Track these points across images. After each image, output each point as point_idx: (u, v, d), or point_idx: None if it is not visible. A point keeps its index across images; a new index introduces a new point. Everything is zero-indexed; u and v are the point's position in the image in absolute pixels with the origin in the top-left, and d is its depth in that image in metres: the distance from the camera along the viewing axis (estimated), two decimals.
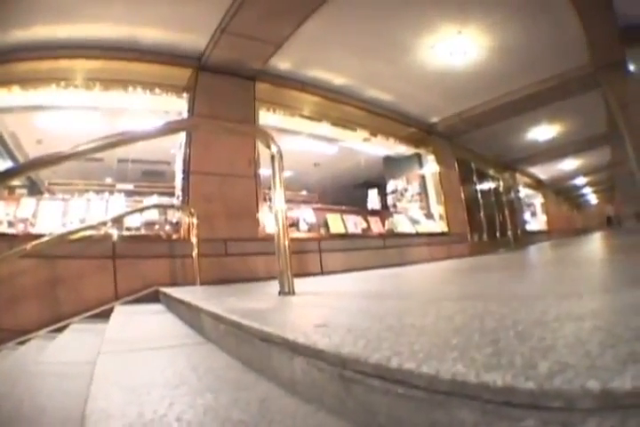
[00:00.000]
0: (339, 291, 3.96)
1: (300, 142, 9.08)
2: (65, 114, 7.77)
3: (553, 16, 6.46)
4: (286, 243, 3.16)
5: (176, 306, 3.84)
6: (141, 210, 6.18)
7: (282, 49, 6.70)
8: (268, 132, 3.47)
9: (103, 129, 7.59)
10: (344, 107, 8.62)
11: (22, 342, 5.02)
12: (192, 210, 5.62)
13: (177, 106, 6.96)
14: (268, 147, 3.27)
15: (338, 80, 8.10)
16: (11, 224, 6.24)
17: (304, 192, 11.42)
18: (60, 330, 4.98)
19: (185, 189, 6.25)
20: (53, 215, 6.36)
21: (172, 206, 6.37)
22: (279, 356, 1.51)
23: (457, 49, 7.16)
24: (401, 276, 5.50)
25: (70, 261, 5.58)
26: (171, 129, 3.48)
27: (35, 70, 6.74)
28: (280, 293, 3.08)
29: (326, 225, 8.03)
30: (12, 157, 10.27)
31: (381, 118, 9.31)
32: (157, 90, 6.78)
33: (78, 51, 6.64)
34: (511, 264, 6.15)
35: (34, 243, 5.19)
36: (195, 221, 5.52)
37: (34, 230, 6.09)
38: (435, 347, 1.10)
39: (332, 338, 1.31)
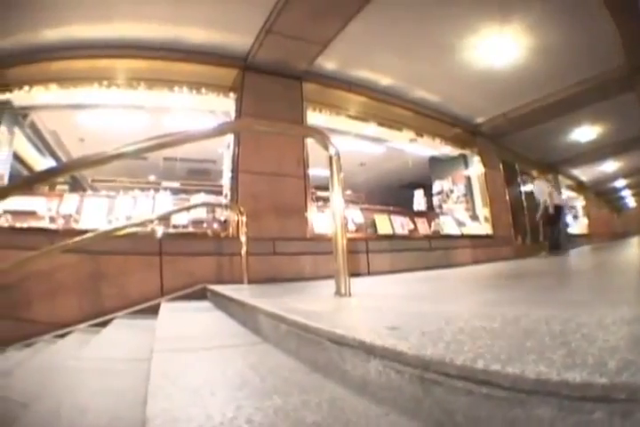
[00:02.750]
0: (394, 293, 3.91)
1: (347, 142, 8.93)
2: (107, 112, 7.82)
3: (589, 17, 6.35)
4: (344, 243, 3.09)
5: (226, 304, 3.80)
6: (190, 208, 6.22)
7: (328, 49, 6.66)
8: (325, 133, 3.41)
9: (148, 127, 7.76)
10: (390, 107, 8.55)
11: (61, 336, 5.12)
12: (241, 208, 5.58)
13: (223, 105, 7.01)
14: (326, 148, 3.23)
15: (384, 80, 8.05)
16: (52, 220, 6.29)
17: (348, 192, 11.34)
18: (101, 325, 5.04)
19: (234, 188, 6.28)
20: (98, 212, 6.40)
21: (221, 205, 6.36)
22: (352, 358, 1.49)
23: (499, 49, 7.08)
24: (450, 278, 5.45)
25: (115, 257, 5.68)
26: (227, 129, 3.51)
27: (72, 69, 6.90)
28: (336, 293, 3.00)
29: (374, 226, 7.98)
30: (54, 155, 10.39)
31: (427, 119, 9.24)
32: (203, 89, 6.83)
33: (120, 50, 6.76)
34: (558, 269, 6.18)
35: (79, 238, 5.26)
36: (244, 219, 5.49)
37: (77, 226, 6.15)
38: (512, 349, 1.18)
39: (411, 341, 1.34)
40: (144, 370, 2.29)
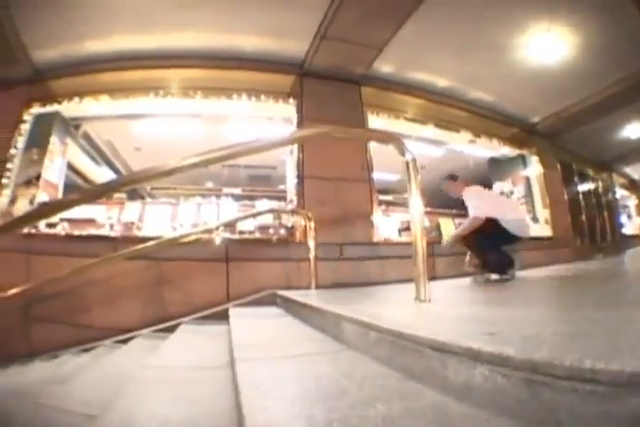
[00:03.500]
0: (470, 298, 3.88)
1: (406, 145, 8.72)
2: (164, 121, 7.92)
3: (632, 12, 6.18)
4: (424, 248, 3.07)
5: (300, 310, 3.75)
6: (257, 214, 6.20)
7: (383, 52, 6.66)
8: (400, 139, 3.36)
9: (205, 136, 7.81)
10: (447, 108, 8.51)
11: (122, 342, 5.26)
12: (309, 214, 5.58)
13: (282, 112, 7.03)
14: (402, 154, 3.21)
15: (440, 82, 8.02)
16: (113, 227, 6.35)
17: (407, 196, 11.18)
18: (165, 330, 5.13)
19: (300, 194, 6.29)
20: (161, 219, 6.44)
21: (288, 211, 6.34)
22: (454, 364, 1.48)
23: (548, 47, 6.98)
24: (517, 282, 5.31)
25: (180, 263, 5.77)
26: (305, 136, 3.45)
27: (124, 80, 7.09)
28: (416, 299, 2.94)
29: (438, 229, 7.89)
30: (109, 164, 10.55)
31: (484, 119, 9.14)
32: (263, 96, 6.85)
33: (173, 60, 6.93)
34: (622, 272, 6.31)
35: (144, 245, 5.33)
36: (312, 224, 5.48)
37: (140, 233, 6.25)
38: (610, 348, 1.26)
39: (515, 345, 1.35)
40: (220, 379, 2.34)
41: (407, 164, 3.18)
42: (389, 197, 10.32)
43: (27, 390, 3.57)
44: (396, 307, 3.05)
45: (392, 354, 1.88)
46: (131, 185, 2.87)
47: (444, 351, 1.51)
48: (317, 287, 5.27)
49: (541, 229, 9.64)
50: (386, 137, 3.44)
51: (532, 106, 9.46)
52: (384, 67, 7.19)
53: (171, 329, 5.08)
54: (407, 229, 7.25)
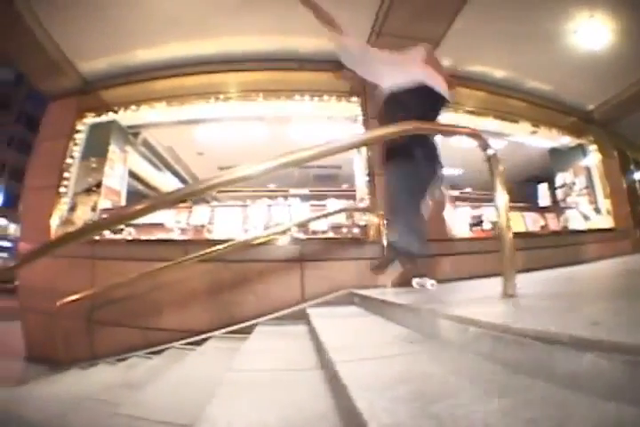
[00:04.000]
0: (553, 291, 3.75)
1: (468, 139, 8.63)
2: (225, 125, 8.02)
3: None
4: (511, 243, 3.00)
5: (384, 309, 3.67)
6: (330, 214, 6.18)
7: (440, 46, 6.60)
8: (482, 134, 3.35)
9: (268, 138, 7.82)
10: (505, 100, 8.46)
11: (193, 344, 5.32)
12: (382, 212, 5.53)
13: (344, 111, 7.06)
14: (484, 149, 3.19)
15: (496, 73, 8.01)
16: (183, 231, 6.39)
17: (468, 189, 11.10)
18: (238, 332, 5.23)
19: (371, 192, 6.28)
20: (231, 221, 6.47)
21: (361, 209, 6.33)
22: (563, 355, 1.47)
23: (594, 33, 6.95)
24: (593, 274, 5.27)
25: (254, 264, 5.88)
26: (392, 133, 3.33)
27: (183, 86, 7.27)
28: (503, 294, 2.85)
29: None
30: (171, 170, 10.69)
31: (542, 109, 9.03)
32: (325, 96, 6.89)
33: (231, 65, 7.12)
34: None
35: (216, 248, 5.43)
36: (386, 222, 5.37)
37: (211, 236, 6.40)
38: None
39: (622, 333, 1.40)
40: (311, 381, 2.31)
41: (490, 158, 3.16)
42: (455, 192, 10.21)
43: (99, 396, 3.61)
44: (486, 302, 2.97)
45: (494, 349, 1.84)
46: (213, 189, 2.81)
47: (553, 342, 1.50)
48: (394, 285, 5.22)
49: (603, 221, 9.51)
50: (470, 132, 3.39)
51: (586, 93, 9.33)
52: (442, 61, 7.04)
53: (244, 331, 5.13)
54: (477, 224, 7.17)
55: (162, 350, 5.52)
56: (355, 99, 6.84)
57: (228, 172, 2.81)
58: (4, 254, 52.20)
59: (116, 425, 2.59)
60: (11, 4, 6.09)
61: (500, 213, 3.08)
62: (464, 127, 3.64)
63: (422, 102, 4.41)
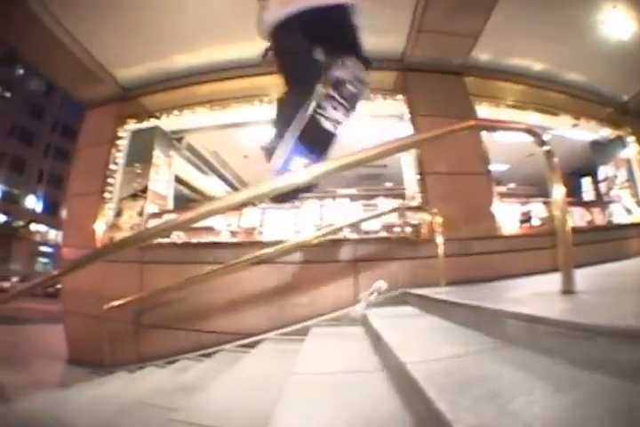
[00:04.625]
0: (614, 286, 3.70)
1: (510, 134, 8.60)
2: (267, 127, 7.95)
3: None
4: (569, 238, 3.00)
5: (442, 308, 3.63)
6: (383, 214, 6.11)
7: (479, 41, 6.65)
8: (537, 130, 3.33)
9: None
10: (544, 92, 8.36)
11: (245, 346, 5.31)
12: (435, 210, 5.50)
13: (389, 109, 7.08)
14: (541, 145, 3.19)
15: (535, 66, 7.94)
16: (234, 233, 6.41)
17: (512, 185, 10.97)
18: (292, 333, 5.24)
19: (422, 190, 6.24)
20: (282, 223, 6.48)
21: (413, 208, 6.26)
22: (629, 348, 1.50)
23: (619, 23, 6.92)
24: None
25: (306, 266, 5.86)
26: (451, 131, 3.33)
27: (224, 90, 7.38)
28: (563, 290, 2.81)
29: (553, 220, 7.47)
30: (217, 174, 11.05)
31: (580, 101, 8.90)
32: (371, 94, 6.79)
33: (269, 67, 6.85)
34: None
35: (268, 250, 5.46)
36: (438, 220, 5.38)
37: (262, 238, 6.39)
38: None
39: None
40: (375, 383, 2.32)
41: (546, 154, 3.17)
42: (502, 188, 10.10)
43: (150, 400, 3.58)
44: (546, 299, 2.92)
45: (561, 345, 1.84)
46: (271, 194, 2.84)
47: (621, 337, 1.53)
48: (446, 284, 5.16)
49: None
50: (526, 128, 3.38)
51: (620, 84, 9.17)
52: (481, 55, 7.20)
53: (298, 332, 5.12)
54: (526, 220, 7.10)
55: (212, 353, 5.55)
56: (400, 96, 6.83)
57: (284, 177, 2.87)
58: (46, 259, 53.45)
59: None
60: (38, 19, 6.27)
61: (557, 207, 3.11)
62: (519, 123, 3.64)
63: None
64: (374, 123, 7.23)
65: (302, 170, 2.82)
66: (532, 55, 7.65)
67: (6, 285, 33.20)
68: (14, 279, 37.52)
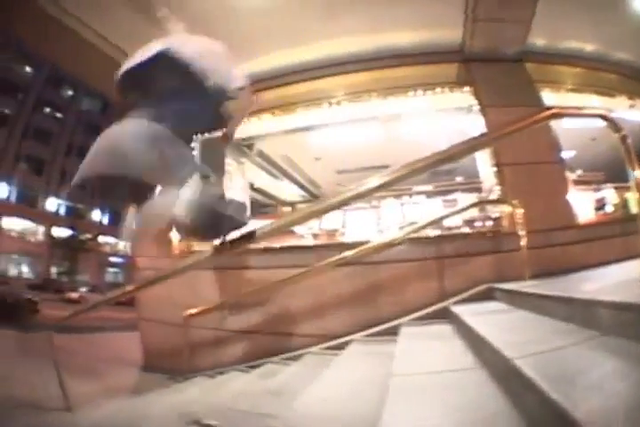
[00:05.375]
0: None
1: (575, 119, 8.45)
2: (340, 129, 8.04)
3: None
4: None
5: (532, 302, 3.62)
6: (464, 209, 6.12)
7: (532, 26, 6.53)
8: (612, 116, 3.38)
9: (383, 137, 7.84)
10: (599, 74, 8.23)
11: (332, 348, 5.33)
12: (515, 202, 5.42)
13: (454, 101, 7.03)
14: (616, 131, 3.21)
15: (587, 47, 7.84)
16: (315, 236, 6.43)
17: (579, 172, 10.74)
18: (379, 334, 5.21)
19: (501, 183, 6.14)
20: (364, 223, 6.49)
21: (493, 201, 6.21)
22: None
23: None
24: None
25: (390, 265, 5.80)
26: (532, 121, 3.33)
27: (290, 94, 7.41)
28: None
29: (625, 206, 7.32)
30: (289, 177, 11.21)
31: (633, 81, 8.72)
32: (432, 89, 6.88)
33: (333, 68, 7.18)
34: None
35: (351, 251, 5.49)
36: (519, 212, 5.33)
37: (345, 240, 6.39)
38: None
39: None
40: (479, 380, 2.39)
41: (622, 139, 3.19)
42: (572, 175, 9.91)
43: (240, 406, 3.61)
44: (633, 286, 2.94)
45: None
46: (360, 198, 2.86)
47: None
48: (530, 278, 5.05)
49: None
50: (601, 114, 3.38)
51: None
52: (536, 40, 7.07)
53: (385, 332, 5.13)
54: (601, 207, 6.93)
55: (297, 356, 5.55)
56: (466, 88, 6.75)
57: (365, 182, 3.00)
58: (115, 269, 55.12)
59: None
60: (86, 41, 6.62)
61: (637, 191, 3.11)
62: (594, 109, 3.62)
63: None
64: (441, 117, 7.19)
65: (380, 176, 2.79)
66: (584, 36, 7.54)
67: (74, 295, 34.43)
68: (82, 290, 38.76)
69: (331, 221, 6.73)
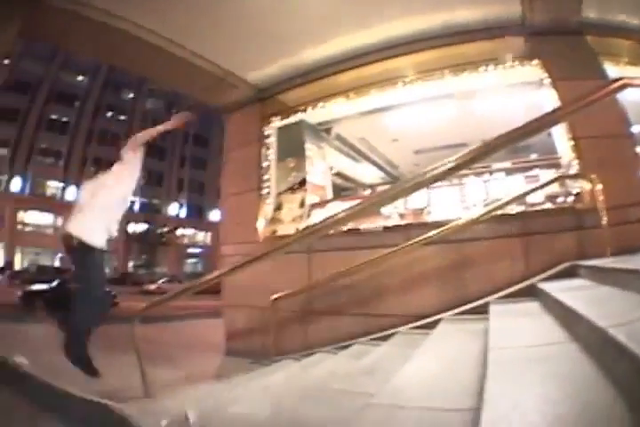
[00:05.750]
0: None
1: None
2: (413, 109, 8.17)
3: None
4: None
5: (616, 277, 3.63)
6: (545, 185, 6.01)
7: (583, 3, 6.39)
8: None
9: (457, 115, 7.84)
10: None
11: (422, 327, 5.37)
12: (592, 177, 5.39)
13: (522, 76, 6.98)
14: None
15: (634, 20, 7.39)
16: (401, 216, 6.48)
17: None
18: (467, 313, 5.25)
19: (579, 157, 6.01)
20: (449, 201, 6.52)
21: (572, 176, 6.06)
22: None
23: None
24: None
25: (475, 243, 5.89)
26: (606, 93, 3.22)
27: (363, 76, 7.45)
28: None
29: None
30: (368, 160, 11.51)
31: None
32: (499, 65, 6.78)
33: (402, 48, 7.17)
34: None
35: (435, 230, 5.52)
36: (599, 188, 5.28)
37: (431, 218, 6.46)
38: None
39: None
40: (572, 353, 2.39)
41: None
42: None
43: (335, 386, 3.62)
44: None
45: None
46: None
47: None
48: (611, 254, 5.01)
49: None
50: None
51: None
52: (590, 13, 6.83)
53: (474, 311, 5.17)
54: None
55: (386, 337, 5.60)
56: (535, 62, 6.62)
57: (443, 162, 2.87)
58: (194, 260, 56.57)
59: (377, 415, 2.37)
60: (152, 44, 6.94)
61: None
62: None
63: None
64: (514, 92, 7.17)
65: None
66: (634, 7, 7.16)
67: (152, 287, 36.13)
68: (160, 281, 40.05)
69: (416, 200, 6.76)
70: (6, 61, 46.99)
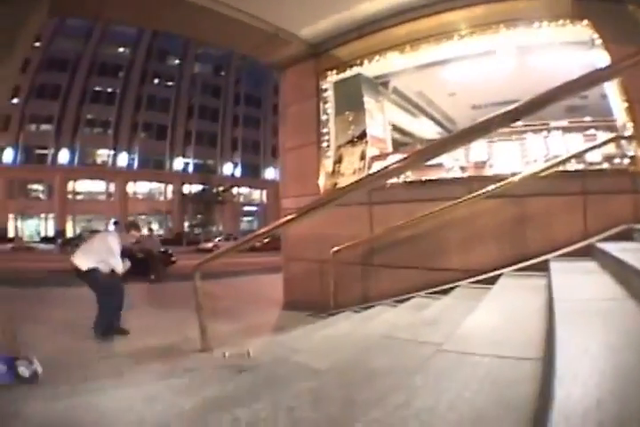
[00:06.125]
0: None
1: None
2: (470, 63, 8.00)
3: None
4: None
5: None
6: (602, 144, 5.90)
7: None
8: None
9: (513, 71, 7.71)
10: None
11: (477, 282, 5.44)
12: None
13: (576, 36, 6.68)
14: None
15: None
16: (463, 169, 6.43)
17: None
18: (527, 269, 5.20)
19: (633, 119, 5.74)
20: (510, 156, 6.42)
21: (626, 137, 5.89)
22: None
23: None
24: None
25: (536, 199, 5.89)
26: None
27: (418, 30, 7.31)
28: None
29: None
30: (426, 114, 11.50)
31: None
32: (560, 20, 6.49)
33: (454, 2, 6.89)
34: None
35: (500, 183, 5.52)
36: None
37: (492, 172, 6.40)
38: None
39: None
40: (631, 308, 2.48)
41: None
42: None
43: (397, 335, 3.59)
44: None
45: None
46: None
47: None
48: None
49: None
50: None
51: None
52: None
53: (533, 267, 5.16)
54: None
55: (445, 290, 5.65)
56: (585, 22, 6.34)
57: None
58: (250, 218, 57.61)
59: (446, 362, 2.40)
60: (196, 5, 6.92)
61: None
62: None
63: None
64: (568, 51, 7.04)
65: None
66: None
67: (209, 245, 36.83)
68: (217, 239, 41.05)
69: (477, 153, 6.67)
70: (37, 44, 47.65)
